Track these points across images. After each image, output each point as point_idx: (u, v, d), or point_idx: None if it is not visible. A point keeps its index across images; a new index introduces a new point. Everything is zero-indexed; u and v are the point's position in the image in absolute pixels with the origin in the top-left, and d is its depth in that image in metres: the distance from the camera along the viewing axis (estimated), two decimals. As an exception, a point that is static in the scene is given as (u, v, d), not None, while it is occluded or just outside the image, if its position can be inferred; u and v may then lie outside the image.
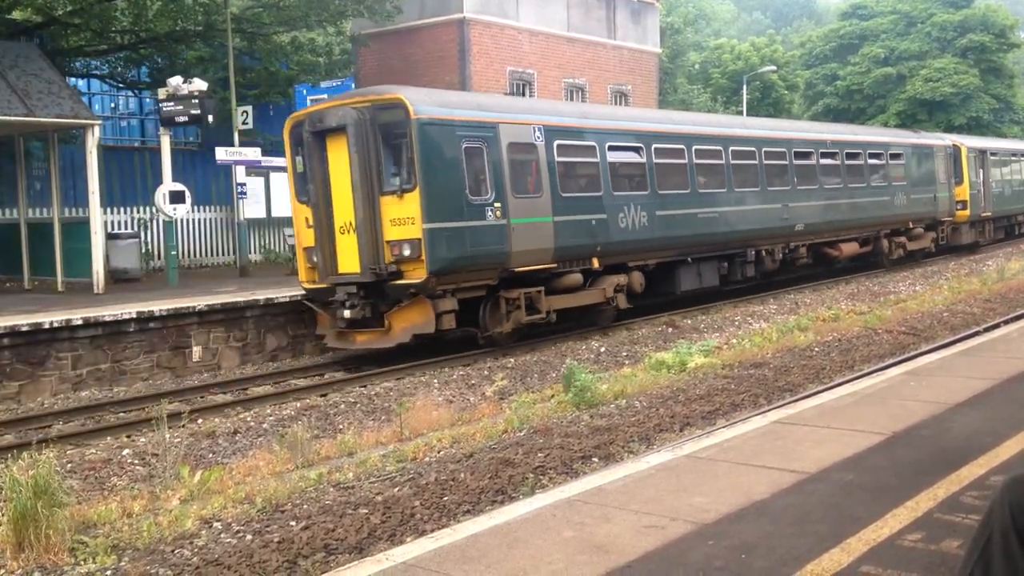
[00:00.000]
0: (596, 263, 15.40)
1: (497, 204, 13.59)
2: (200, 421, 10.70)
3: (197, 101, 17.71)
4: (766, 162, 19.64)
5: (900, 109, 49.19)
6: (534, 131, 14.43)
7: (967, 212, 27.60)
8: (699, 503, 4.60)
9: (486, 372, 13.14)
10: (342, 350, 14.06)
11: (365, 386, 12.46)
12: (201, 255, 22.67)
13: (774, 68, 40.73)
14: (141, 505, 7.02)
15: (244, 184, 20.12)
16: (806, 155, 21.14)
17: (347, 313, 12.97)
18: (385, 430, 9.63)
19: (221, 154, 19.18)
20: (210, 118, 18.11)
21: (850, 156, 22.69)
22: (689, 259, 17.64)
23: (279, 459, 8.36)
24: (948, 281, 21.36)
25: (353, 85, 28.37)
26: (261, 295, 14.63)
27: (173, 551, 6.07)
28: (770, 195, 19.68)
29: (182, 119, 18.13)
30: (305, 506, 6.90)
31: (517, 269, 13.94)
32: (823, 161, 21.68)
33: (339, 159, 13.01)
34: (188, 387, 12.45)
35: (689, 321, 17.28)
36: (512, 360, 14.00)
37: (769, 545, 3.98)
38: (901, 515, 4.28)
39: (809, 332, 14.07)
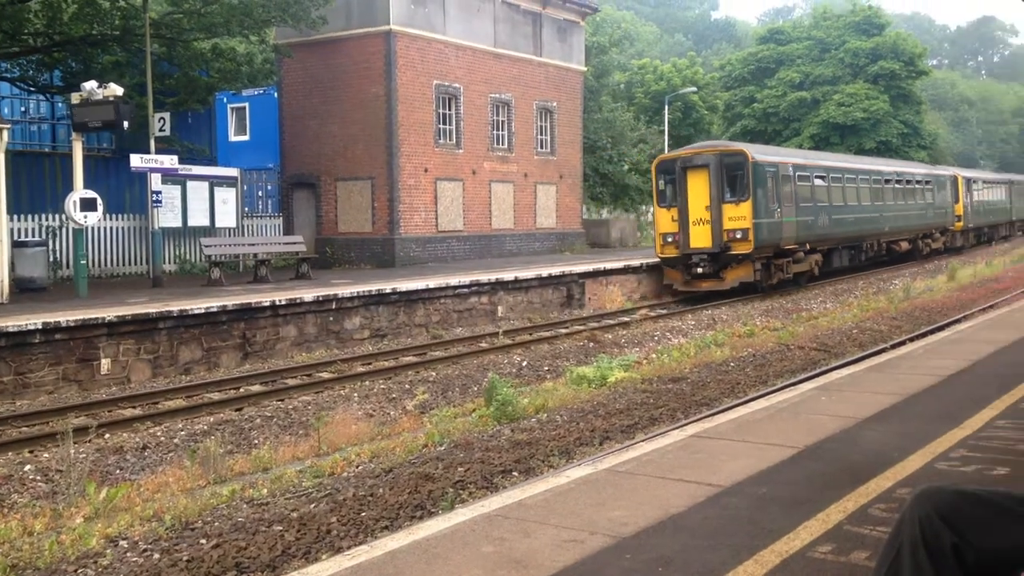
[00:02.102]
0: (808, 247, 24.65)
1: (778, 209, 23.02)
2: (108, 436, 10.35)
3: (112, 106, 17.23)
4: (873, 187, 29.45)
5: (814, 132, 50.73)
6: (790, 168, 24.29)
7: (962, 223, 37.72)
8: (618, 517, 4.62)
9: (407, 386, 13.04)
10: (687, 292, 22.95)
11: (282, 400, 12.24)
12: (113, 264, 22.00)
13: (695, 89, 41.62)
14: (43, 523, 6.74)
15: (159, 192, 19.62)
16: (888, 182, 30.92)
17: (699, 270, 22.26)
18: (302, 445, 9.46)
19: (136, 161, 18.68)
20: (125, 124, 17.63)
21: (907, 183, 32.66)
22: (839, 248, 27.33)
23: (190, 475, 8.13)
24: (857, 299, 22.03)
25: (276, 94, 28.08)
26: (175, 306, 14.25)
27: (76, 571, 5.83)
28: (875, 208, 29.47)
29: (96, 124, 17.63)
30: (216, 523, 6.71)
31: (783, 247, 23.40)
32: (895, 186, 31.44)
33: (696, 183, 22.36)
34: (96, 401, 12.01)
35: (610, 336, 17.47)
36: (434, 374, 13.93)
37: (685, 558, 4.01)
38: (812, 527, 4.36)
39: (725, 347, 14.34)
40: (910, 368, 8.94)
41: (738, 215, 21.94)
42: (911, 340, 13.54)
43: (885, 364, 9.41)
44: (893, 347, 12.83)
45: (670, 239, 22.83)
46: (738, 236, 21.87)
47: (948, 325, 15.20)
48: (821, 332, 15.92)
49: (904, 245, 32.15)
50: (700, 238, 22.29)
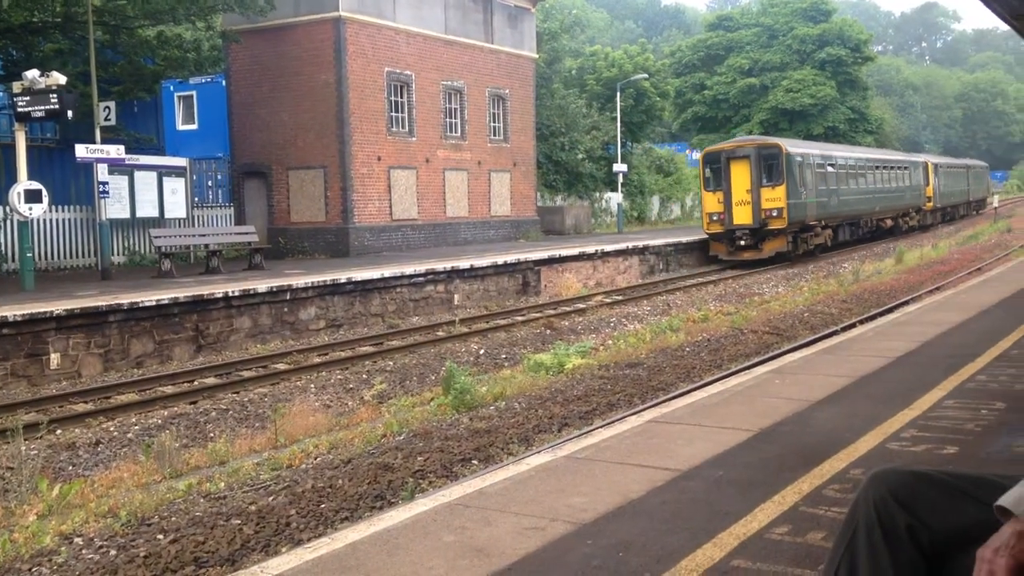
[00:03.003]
0: (823, 223, 29.52)
1: (804, 191, 27.76)
2: (59, 432, 10.17)
3: (55, 96, 16.85)
4: (868, 173, 34.26)
5: (763, 118, 51.32)
6: (811, 157, 29.08)
7: (932, 204, 43.08)
8: (578, 503, 4.66)
9: (364, 376, 12.99)
10: (731, 261, 27.54)
11: (238, 392, 12.12)
12: (60, 257, 21.55)
13: (646, 76, 41.76)
14: (-6, 523, 6.61)
15: (106, 183, 19.23)
16: (878, 168, 35.80)
17: (742, 242, 26.99)
18: (259, 437, 9.38)
19: (81, 151, 18.29)
20: (69, 113, 17.26)
21: (891, 169, 37.46)
22: (844, 224, 32.05)
23: (145, 470, 8.02)
24: (808, 283, 22.39)
25: (224, 82, 27.65)
26: (125, 299, 14.01)
27: (30, 569, 5.74)
28: (869, 191, 34.19)
29: (39, 114, 17.24)
30: (174, 518, 6.64)
31: (807, 223, 28.28)
32: (883, 172, 36.16)
33: (739, 170, 27.07)
34: (46, 396, 11.77)
35: (567, 323, 17.55)
36: (391, 363, 13.89)
37: (645, 542, 4.07)
38: (769, 509, 4.44)
39: (680, 332, 14.48)
40: (860, 350, 9.12)
41: (774, 197, 26.77)
42: (861, 323, 13.80)
43: (836, 347, 9.58)
44: (844, 330, 13.07)
45: (715, 218, 27.53)
46: (774, 214, 26.74)
47: (896, 307, 15.52)
48: (774, 316, 16.16)
49: (889, 222, 37.23)
50: (742, 216, 26.96)
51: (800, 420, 6.25)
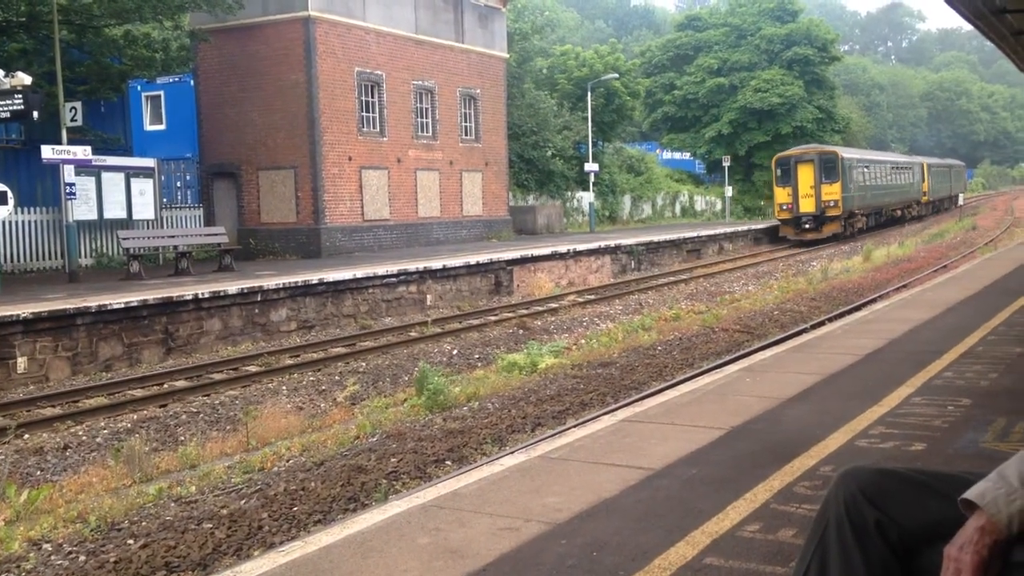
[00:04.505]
0: (862, 212, 38.46)
1: (852, 187, 36.37)
2: (27, 436, 10.04)
3: (20, 96, 16.62)
4: (887, 172, 42.93)
5: (732, 118, 51.61)
6: (855, 161, 37.81)
7: (927, 197, 51.05)
8: (552, 503, 4.67)
9: (337, 377, 12.93)
10: (798, 240, 35.71)
11: (208, 395, 12.02)
12: (26, 259, 21.24)
13: (617, 75, 41.88)
14: (-40, 530, 6.51)
15: (73, 184, 18.98)
16: (894, 167, 44.59)
17: (807, 226, 35.29)
18: (230, 440, 9.32)
19: (47, 152, 18.04)
20: (35, 114, 17.02)
21: (901, 169, 46.04)
22: (871, 213, 40.36)
23: (115, 474, 7.94)
24: (778, 281, 22.59)
25: (192, 82, 27.38)
26: (93, 301, 13.85)
27: (-3, 578, 5.66)
28: (888, 187, 42.68)
29: (4, 115, 16.99)
30: (144, 523, 6.58)
31: (853, 212, 36.93)
32: (895, 171, 44.72)
33: (804, 170, 35.47)
34: (13, 400, 11.61)
35: (539, 322, 17.58)
36: (364, 364, 13.84)
37: (619, 541, 4.09)
38: (740, 507, 4.48)
39: (652, 331, 14.56)
40: (830, 348, 9.22)
41: (832, 191, 35.40)
42: (830, 320, 13.95)
43: (806, 344, 9.67)
44: (813, 327, 13.20)
45: (785, 207, 36.13)
46: (831, 204, 35.37)
47: (864, 305, 15.69)
48: (744, 314, 16.29)
49: (898, 212, 45.60)
50: (807, 206, 35.56)
51: (771, 418, 6.31)
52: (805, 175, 35.53)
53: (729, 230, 35.65)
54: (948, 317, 11.08)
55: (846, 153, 37.57)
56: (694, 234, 32.08)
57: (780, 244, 36.54)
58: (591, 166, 37.11)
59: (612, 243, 26.63)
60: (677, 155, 60.22)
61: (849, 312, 14.77)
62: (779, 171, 36.42)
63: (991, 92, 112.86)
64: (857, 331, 10.32)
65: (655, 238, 29.09)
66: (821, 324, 13.56)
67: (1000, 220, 45.30)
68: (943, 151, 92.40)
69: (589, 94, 38.94)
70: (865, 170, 38.86)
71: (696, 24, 56.43)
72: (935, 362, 8.07)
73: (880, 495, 1.97)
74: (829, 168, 35.36)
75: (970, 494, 1.81)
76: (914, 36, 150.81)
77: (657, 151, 58.73)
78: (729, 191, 47.75)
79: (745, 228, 37.30)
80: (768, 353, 9.44)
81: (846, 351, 8.87)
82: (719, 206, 51.54)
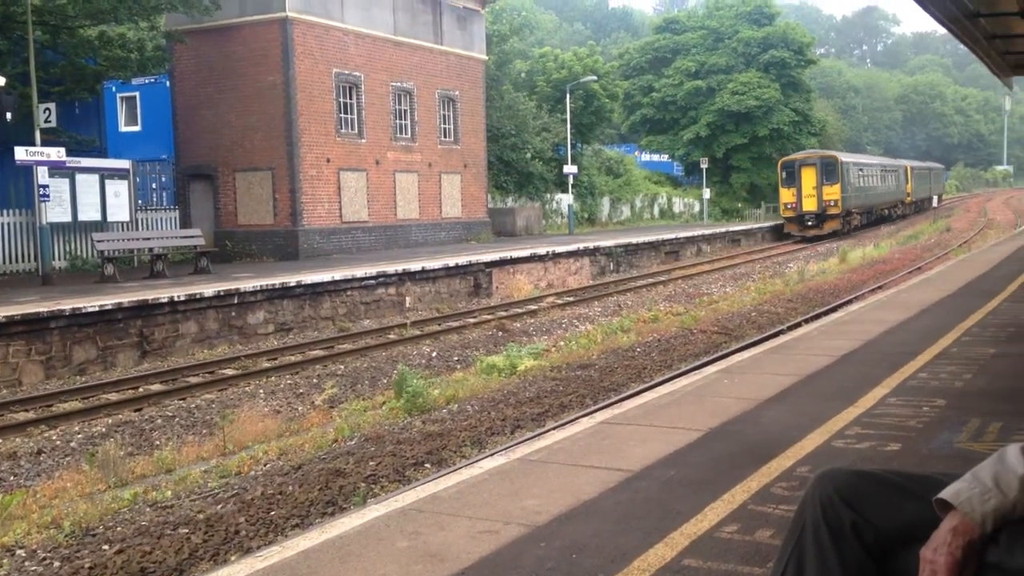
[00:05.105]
0: (857, 211, 41.59)
1: (849, 187, 40.00)
2: (0, 441, 9.90)
3: (-7, 96, 16.43)
4: (878, 174, 46.09)
5: (710, 120, 51.87)
6: (852, 164, 41.55)
7: (910, 198, 54.76)
8: (532, 506, 4.67)
9: (315, 380, 12.87)
10: (802, 236, 39.27)
11: (184, 399, 11.93)
12: (-2, 262, 21.00)
13: (595, 78, 41.97)
14: (-69, 537, 6.42)
15: (47, 186, 18.79)
16: (883, 170, 47.94)
17: (809, 223, 39.20)
18: (207, 444, 9.25)
19: (21, 154, 17.86)
20: (8, 115, 16.85)
21: (889, 171, 49.20)
22: (864, 212, 43.36)
23: (89, 479, 7.86)
24: (755, 282, 22.71)
25: (168, 83, 27.19)
26: (67, 304, 13.71)
27: (-31, 586, 5.59)
28: (878, 188, 46.01)
29: (-25, 115, 16.79)
30: (119, 528, 6.52)
31: (850, 211, 40.68)
32: (884, 173, 47.88)
33: (807, 173, 39.23)
34: (-15, 405, 11.48)
35: (519, 324, 17.58)
36: (342, 367, 13.78)
37: (598, 544, 4.09)
38: (719, 508, 4.49)
39: (631, 333, 14.59)
40: (806, 349, 9.28)
41: (832, 191, 38.81)
42: (807, 322, 14.03)
43: (783, 346, 9.73)
44: (790, 329, 13.28)
45: (789, 206, 39.70)
46: (832, 204, 38.83)
47: (840, 306, 15.82)
48: (722, 316, 16.36)
49: (886, 211, 49.01)
50: (809, 205, 39.13)
51: (749, 419, 6.34)
52: (808, 177, 38.95)
53: (707, 232, 35.83)
54: (923, 318, 11.18)
55: (845, 157, 41.36)
56: (672, 236, 32.23)
57: (780, 241, 40.26)
58: (570, 168, 37.16)
59: (591, 245, 26.68)
60: (655, 157, 60.46)
61: (825, 313, 14.87)
62: (784, 173, 39.99)
63: (965, 95, 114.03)
64: (833, 332, 10.39)
65: (634, 240, 29.18)
66: (798, 325, 13.65)
67: (974, 222, 45.82)
68: (918, 154, 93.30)
69: (568, 96, 39.02)
70: (860, 173, 42.48)
71: (674, 27, 56.66)
72: (910, 363, 8.14)
73: (856, 497, 1.97)
74: (830, 171, 38.83)
75: (945, 494, 1.82)
76: (889, 40, 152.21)
77: (636, 153, 58.90)
78: (707, 193, 47.98)
79: (723, 230, 37.54)
80: (746, 354, 9.48)
81: (822, 352, 8.93)
82: (697, 208, 51.76)
